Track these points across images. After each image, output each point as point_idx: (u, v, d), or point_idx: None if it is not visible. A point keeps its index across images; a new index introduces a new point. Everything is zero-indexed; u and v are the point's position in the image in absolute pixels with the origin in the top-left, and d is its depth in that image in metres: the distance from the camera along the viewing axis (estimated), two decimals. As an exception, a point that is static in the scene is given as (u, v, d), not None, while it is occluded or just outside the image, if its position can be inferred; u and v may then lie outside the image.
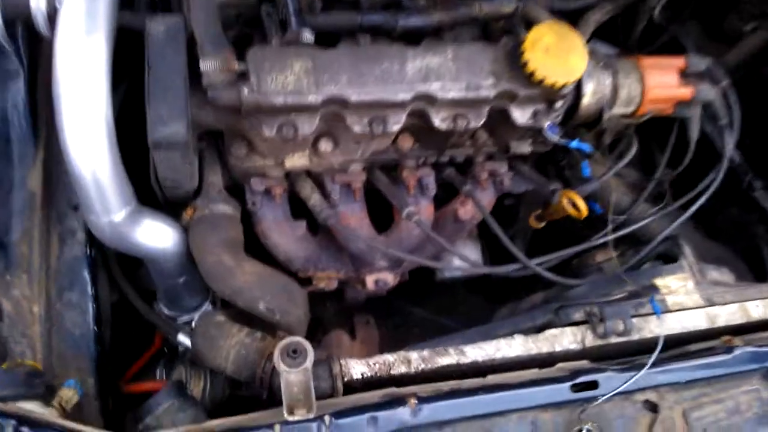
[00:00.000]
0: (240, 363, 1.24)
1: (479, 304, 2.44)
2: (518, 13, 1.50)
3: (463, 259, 1.53)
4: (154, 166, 1.27)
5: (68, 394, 1.27)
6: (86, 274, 1.42)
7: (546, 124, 1.45)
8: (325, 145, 1.43)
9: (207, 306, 1.55)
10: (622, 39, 1.84)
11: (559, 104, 1.45)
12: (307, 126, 1.32)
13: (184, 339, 1.52)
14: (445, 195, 1.67)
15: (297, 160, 1.44)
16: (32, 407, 1.17)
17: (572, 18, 1.62)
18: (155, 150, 1.21)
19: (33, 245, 1.36)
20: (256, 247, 1.50)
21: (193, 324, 1.44)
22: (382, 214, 1.63)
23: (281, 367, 1.13)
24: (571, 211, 1.47)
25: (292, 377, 1.14)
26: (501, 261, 1.58)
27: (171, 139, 1.19)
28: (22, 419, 1.03)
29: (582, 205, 1.45)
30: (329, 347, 1.72)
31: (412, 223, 1.48)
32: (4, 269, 1.34)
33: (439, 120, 1.40)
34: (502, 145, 1.58)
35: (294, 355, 1.14)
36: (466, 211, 1.62)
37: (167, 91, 1.20)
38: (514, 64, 1.38)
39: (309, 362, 1.15)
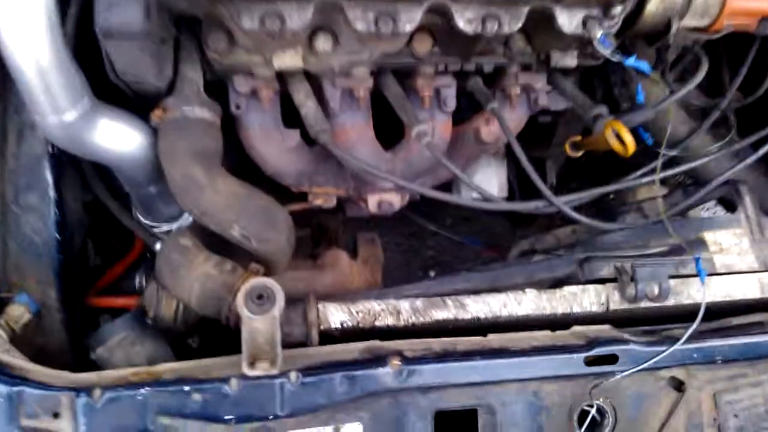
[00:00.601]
0: (204, 298, 1.08)
1: (502, 222, 2.25)
2: None
3: (480, 192, 1.30)
4: (108, 59, 1.05)
5: (17, 311, 1.15)
6: (48, 174, 1.25)
7: (599, 34, 1.16)
8: (323, 43, 1.18)
9: (187, 217, 1.38)
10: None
11: (617, 10, 1.15)
12: (297, 18, 1.07)
13: (161, 250, 1.37)
14: (467, 108, 1.42)
15: (288, 59, 1.19)
16: (-29, 328, 1.05)
17: None
18: (106, 40, 0.99)
19: (-14, 141, 1.18)
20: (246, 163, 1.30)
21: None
22: (391, 127, 1.39)
23: (244, 312, 0.97)
24: (615, 145, 1.21)
25: (256, 325, 0.98)
26: (529, 187, 1.36)
27: (124, 27, 0.96)
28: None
29: (629, 140, 1.20)
30: (325, 266, 1.56)
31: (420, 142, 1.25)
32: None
33: (464, 21, 1.12)
34: (542, 55, 1.30)
35: (260, 301, 0.98)
36: (491, 131, 1.38)
37: (119, -35, 0.96)
38: (566, -48, 1.08)
39: (277, 309, 0.98)
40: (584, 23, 1.16)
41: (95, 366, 1.17)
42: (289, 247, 1.22)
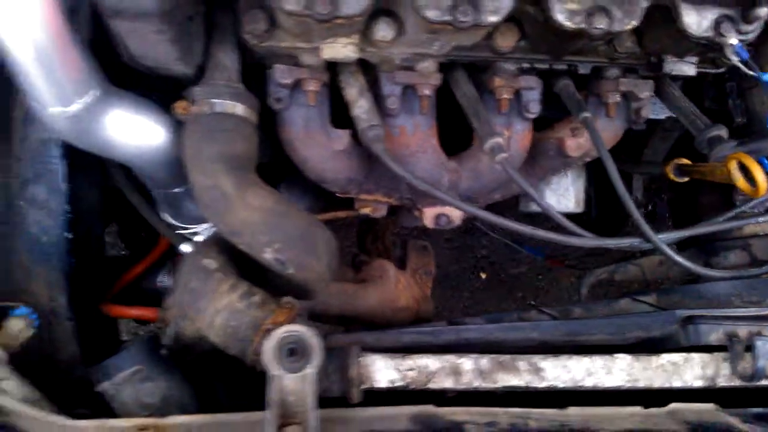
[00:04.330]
0: (227, 335, 0.90)
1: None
2: None
3: (569, 228, 1.07)
4: (121, 41, 0.86)
5: (16, 327, 1.00)
6: (57, 162, 1.08)
7: (734, 40, 0.91)
8: (383, 30, 0.96)
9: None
10: None
11: (763, 11, 0.90)
12: (354, 1, 0.86)
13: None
14: (548, 113, 1.19)
15: (339, 50, 0.98)
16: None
17: None
18: (115, 19, 0.80)
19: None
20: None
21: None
22: (455, 128, 1.18)
23: (273, 368, 0.79)
24: (740, 183, 0.97)
25: (287, 383, 0.80)
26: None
27: (136, 4, 0.77)
28: None
29: (762, 180, 0.95)
30: (369, 280, 1.36)
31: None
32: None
33: (565, 14, 0.89)
34: (653, 58, 1.05)
35: (292, 357, 0.80)
36: (579, 144, 1.15)
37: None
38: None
39: (313, 368, 0.80)
40: (717, 25, 0.91)
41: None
42: (330, 272, 1.02)
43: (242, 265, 0.99)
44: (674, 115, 1.18)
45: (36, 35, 0.78)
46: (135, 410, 0.96)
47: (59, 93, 0.85)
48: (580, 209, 1.41)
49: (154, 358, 0.98)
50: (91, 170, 1.19)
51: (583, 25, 0.89)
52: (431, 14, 0.87)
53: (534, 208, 1.41)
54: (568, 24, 0.89)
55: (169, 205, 1.18)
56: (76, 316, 1.13)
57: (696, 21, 0.91)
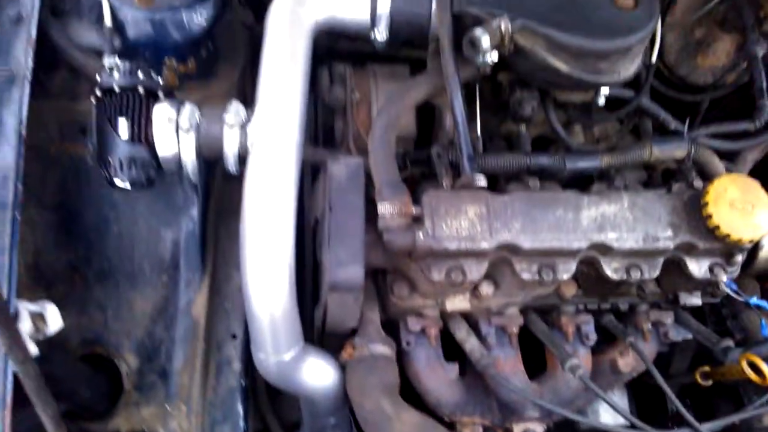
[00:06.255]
0: None
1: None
2: (690, 157, 1.46)
3: (628, 419, 1.39)
4: (326, 307, 1.25)
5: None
6: (239, 407, 1.39)
7: (724, 278, 1.35)
8: (486, 289, 1.39)
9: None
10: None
11: (739, 258, 1.36)
12: (476, 271, 1.29)
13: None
14: (599, 341, 1.58)
15: (458, 303, 1.40)
16: None
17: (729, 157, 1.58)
18: (332, 292, 1.20)
19: (194, 375, 1.35)
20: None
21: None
22: (529, 357, 1.55)
23: None
24: (752, 376, 1.34)
25: None
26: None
27: (349, 282, 1.19)
28: None
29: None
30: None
31: (569, 373, 1.39)
32: (165, 398, 1.33)
33: (611, 270, 1.33)
34: (670, 295, 1.49)
35: None
36: (627, 362, 1.52)
37: (346, 235, 1.21)
38: (693, 215, 1.32)
39: None
40: (711, 269, 1.36)
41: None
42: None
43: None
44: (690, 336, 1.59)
45: (277, 303, 1.17)
46: None
47: (280, 346, 1.21)
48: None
49: None
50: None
51: (624, 277, 1.33)
52: (526, 276, 1.31)
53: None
54: (614, 276, 1.33)
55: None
56: None
57: (697, 268, 1.35)
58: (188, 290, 1.41)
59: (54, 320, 1.10)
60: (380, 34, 1.35)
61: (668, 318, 1.50)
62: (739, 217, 1.29)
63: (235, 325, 1.41)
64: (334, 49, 1.63)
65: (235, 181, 1.22)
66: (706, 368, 1.52)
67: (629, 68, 1.36)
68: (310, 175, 1.52)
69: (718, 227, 1.28)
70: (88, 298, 1.39)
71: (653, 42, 1.46)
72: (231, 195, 1.39)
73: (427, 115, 1.56)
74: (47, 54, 1.26)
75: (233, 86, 1.46)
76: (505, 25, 1.24)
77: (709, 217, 1.29)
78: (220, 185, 1.46)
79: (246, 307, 1.19)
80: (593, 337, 1.48)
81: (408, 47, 1.47)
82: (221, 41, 1.46)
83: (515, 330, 1.45)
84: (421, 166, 1.47)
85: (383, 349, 1.35)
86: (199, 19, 1.30)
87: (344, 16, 1.33)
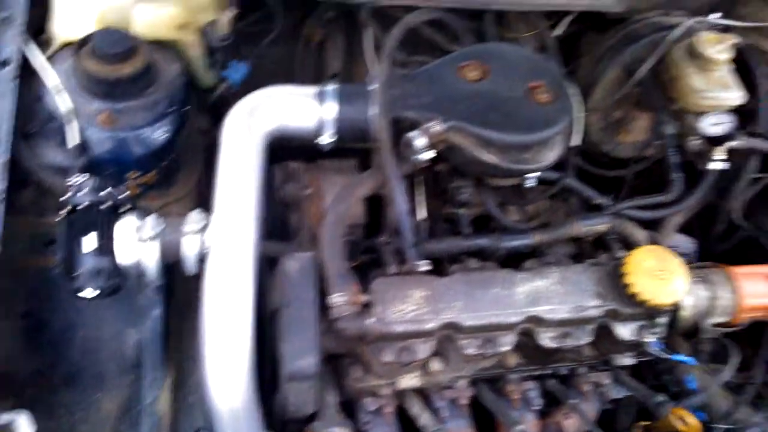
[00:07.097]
0: None
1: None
2: (612, 230, 1.62)
3: None
4: (284, 395, 1.33)
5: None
6: None
7: (649, 339, 1.49)
8: (436, 365, 1.50)
9: None
10: (700, 235, 1.90)
11: (662, 320, 1.50)
12: (423, 350, 1.40)
13: None
14: (545, 405, 1.69)
15: (409, 380, 1.50)
16: None
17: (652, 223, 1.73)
18: (289, 382, 1.29)
19: (160, 471, 1.40)
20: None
21: None
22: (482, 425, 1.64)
23: None
24: (682, 428, 1.47)
25: None
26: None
27: (305, 371, 1.28)
28: None
29: (694, 423, 1.45)
30: None
31: (519, 439, 1.49)
32: (133, 499, 1.37)
33: (547, 339, 1.46)
34: (605, 358, 1.62)
35: None
36: (571, 423, 1.62)
37: (301, 326, 1.30)
38: (616, 284, 1.47)
39: None
40: (638, 332, 1.50)
41: None
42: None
43: None
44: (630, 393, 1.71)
45: (238, 398, 1.25)
46: None
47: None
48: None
49: None
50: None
51: (559, 344, 1.46)
52: (470, 350, 1.42)
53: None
54: (551, 344, 1.46)
55: None
56: None
57: (624, 331, 1.49)
58: (152, 388, 1.46)
59: (25, 430, 1.16)
60: (326, 139, 1.48)
61: (606, 378, 1.63)
62: (656, 284, 1.43)
63: (199, 418, 1.47)
64: (289, 147, 1.76)
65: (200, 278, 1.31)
66: (645, 423, 1.64)
67: (550, 156, 1.51)
68: (268, 268, 1.61)
69: (637, 294, 1.43)
70: (56, 403, 1.43)
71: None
72: (195, 291, 1.46)
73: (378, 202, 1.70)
74: (18, 174, 1.36)
75: (191, 191, 1.56)
76: (438, 126, 1.39)
77: (630, 285, 1.43)
78: (185, 282, 1.54)
79: (207, 401, 1.26)
80: (538, 402, 1.58)
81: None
82: (179, 148, 1.57)
83: (465, 401, 1.54)
84: (371, 253, 1.59)
85: (341, 431, 1.43)
86: (160, 134, 1.41)
87: (293, 125, 1.47)
